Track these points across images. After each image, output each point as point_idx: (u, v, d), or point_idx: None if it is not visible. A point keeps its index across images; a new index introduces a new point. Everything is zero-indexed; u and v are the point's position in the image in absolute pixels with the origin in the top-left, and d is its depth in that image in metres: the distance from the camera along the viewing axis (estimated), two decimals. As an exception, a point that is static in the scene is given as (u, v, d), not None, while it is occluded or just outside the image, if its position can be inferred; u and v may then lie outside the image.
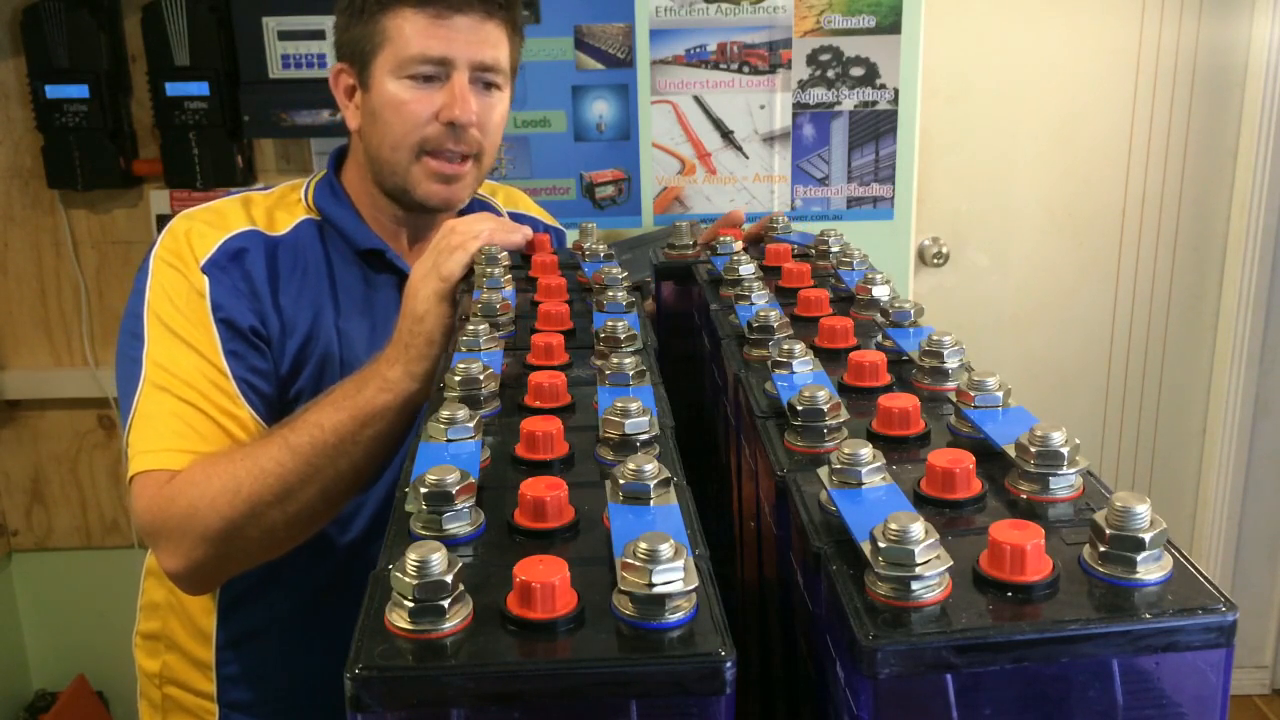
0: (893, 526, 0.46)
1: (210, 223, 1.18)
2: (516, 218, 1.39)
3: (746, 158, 2.07)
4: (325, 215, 1.23)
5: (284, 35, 2.06)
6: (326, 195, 1.25)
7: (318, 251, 1.22)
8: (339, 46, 1.24)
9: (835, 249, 1.03)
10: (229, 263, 1.15)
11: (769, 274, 0.98)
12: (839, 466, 0.54)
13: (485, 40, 1.17)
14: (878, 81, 2.03)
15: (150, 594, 1.27)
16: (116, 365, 1.14)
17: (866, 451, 0.54)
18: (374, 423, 1.00)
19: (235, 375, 1.10)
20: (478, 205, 1.36)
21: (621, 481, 0.54)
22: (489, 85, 1.20)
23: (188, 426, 1.07)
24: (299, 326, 1.16)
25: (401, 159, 1.18)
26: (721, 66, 2.03)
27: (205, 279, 1.13)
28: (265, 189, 1.27)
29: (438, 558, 0.46)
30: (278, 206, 1.23)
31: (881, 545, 0.46)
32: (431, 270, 1.01)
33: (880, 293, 0.87)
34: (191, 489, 1.02)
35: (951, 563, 0.46)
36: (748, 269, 0.95)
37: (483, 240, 1.02)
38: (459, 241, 1.02)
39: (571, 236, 1.21)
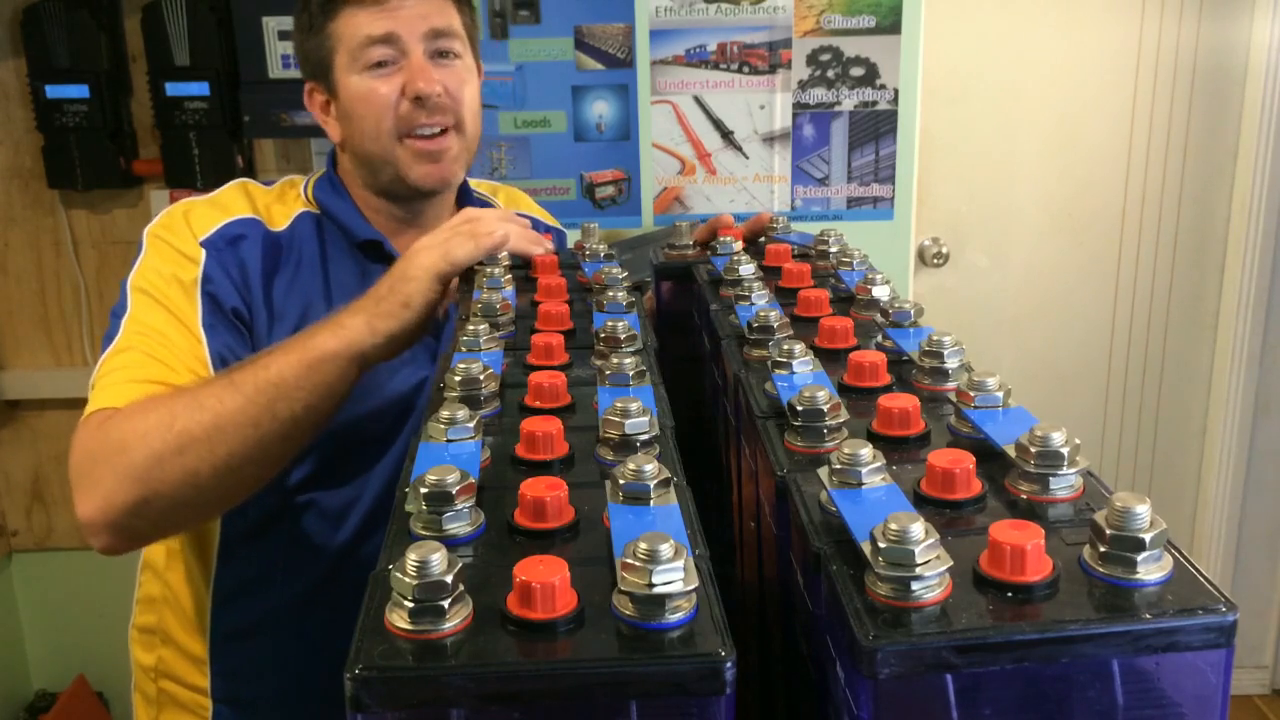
0: (893, 526, 0.46)
1: (211, 207, 1.19)
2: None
3: (746, 158, 2.07)
4: (324, 208, 1.24)
5: (284, 35, 2.06)
6: (326, 189, 1.26)
7: (313, 245, 1.22)
8: (302, 67, 1.25)
9: (835, 249, 1.03)
10: (226, 246, 1.16)
11: (769, 274, 0.98)
12: (839, 466, 0.54)
13: (430, 11, 1.18)
14: (878, 81, 2.03)
15: (146, 587, 1.27)
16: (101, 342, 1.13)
17: (866, 451, 0.54)
18: (319, 368, 0.96)
19: (210, 345, 1.10)
20: (476, 204, 1.36)
21: (621, 481, 0.54)
22: (446, 54, 1.20)
23: (148, 377, 1.05)
24: (288, 318, 1.17)
25: (385, 147, 1.19)
26: (721, 66, 2.03)
27: (202, 252, 1.14)
28: (267, 183, 1.27)
29: (438, 558, 0.46)
30: (277, 202, 1.24)
31: (881, 545, 0.46)
32: (439, 245, 1.00)
33: (880, 293, 0.87)
34: (125, 423, 0.98)
35: (951, 563, 0.46)
36: (748, 269, 0.95)
37: (498, 241, 1.01)
38: (481, 230, 1.01)
39: (573, 237, 1.21)
